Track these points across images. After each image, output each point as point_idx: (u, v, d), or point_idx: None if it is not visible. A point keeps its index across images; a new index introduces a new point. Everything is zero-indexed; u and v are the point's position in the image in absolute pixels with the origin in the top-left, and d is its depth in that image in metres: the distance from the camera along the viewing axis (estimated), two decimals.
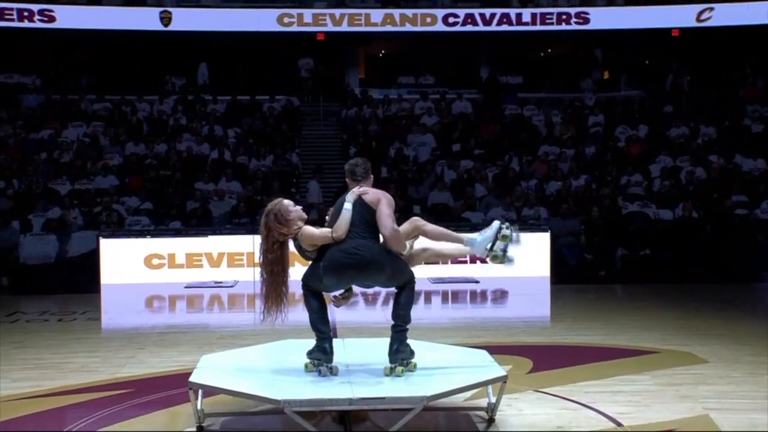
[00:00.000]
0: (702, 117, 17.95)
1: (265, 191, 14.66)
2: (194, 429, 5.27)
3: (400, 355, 5.20)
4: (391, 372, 5.17)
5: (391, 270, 5.22)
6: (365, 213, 5.21)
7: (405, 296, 5.27)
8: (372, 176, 5.53)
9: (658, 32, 19.80)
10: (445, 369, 5.42)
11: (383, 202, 5.21)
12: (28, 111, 18.15)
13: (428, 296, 11.96)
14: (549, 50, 22.95)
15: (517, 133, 17.48)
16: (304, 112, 19.54)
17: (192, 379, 5.23)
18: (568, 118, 18.17)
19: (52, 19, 18.98)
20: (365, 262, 5.14)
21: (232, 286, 12.33)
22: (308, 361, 5.28)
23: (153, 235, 12.96)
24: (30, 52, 20.33)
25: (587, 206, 14.07)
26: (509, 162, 16.29)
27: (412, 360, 5.28)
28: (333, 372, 5.19)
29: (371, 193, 5.28)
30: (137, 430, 5.36)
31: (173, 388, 6.16)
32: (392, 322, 5.28)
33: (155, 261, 12.59)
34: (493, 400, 5.40)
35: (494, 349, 6.38)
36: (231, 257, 12.70)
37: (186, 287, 12.20)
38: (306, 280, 5.29)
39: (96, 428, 5.34)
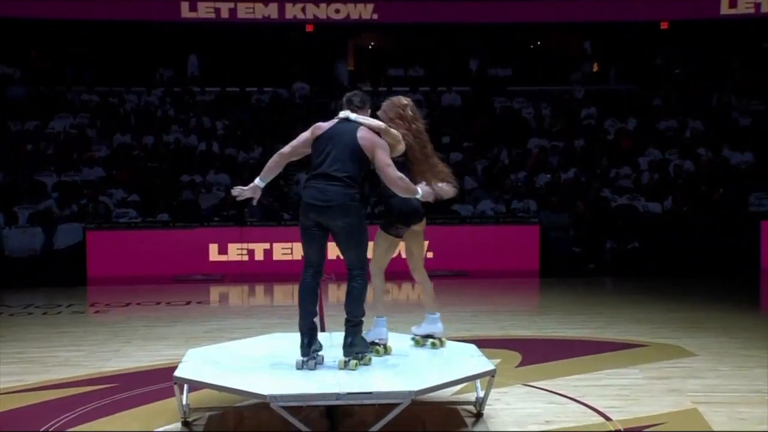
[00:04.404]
0: (690, 110, 17.96)
1: None
2: (180, 424, 5.22)
3: (355, 349, 5.17)
4: (345, 366, 5.13)
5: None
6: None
7: (357, 288, 5.22)
8: (369, 109, 5.51)
9: (648, 25, 19.76)
10: (433, 363, 5.39)
11: (379, 152, 5.28)
12: (14, 102, 17.97)
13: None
14: (539, 43, 22.90)
15: (506, 126, 17.44)
16: (293, 105, 19.41)
17: (177, 373, 5.17)
18: (557, 110, 18.14)
19: None
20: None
21: (219, 279, 12.25)
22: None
23: (140, 228, 12.89)
24: (16, 42, 20.12)
25: (576, 199, 14.04)
26: (498, 155, 16.26)
27: (368, 354, 5.25)
28: (307, 365, 5.11)
29: (367, 135, 5.28)
30: (121, 426, 5.28)
31: (159, 382, 6.09)
32: (346, 316, 5.22)
33: (142, 253, 12.49)
34: (482, 394, 5.36)
35: (483, 343, 6.36)
36: (219, 249, 12.62)
37: (173, 280, 12.13)
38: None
39: (79, 424, 5.27)
